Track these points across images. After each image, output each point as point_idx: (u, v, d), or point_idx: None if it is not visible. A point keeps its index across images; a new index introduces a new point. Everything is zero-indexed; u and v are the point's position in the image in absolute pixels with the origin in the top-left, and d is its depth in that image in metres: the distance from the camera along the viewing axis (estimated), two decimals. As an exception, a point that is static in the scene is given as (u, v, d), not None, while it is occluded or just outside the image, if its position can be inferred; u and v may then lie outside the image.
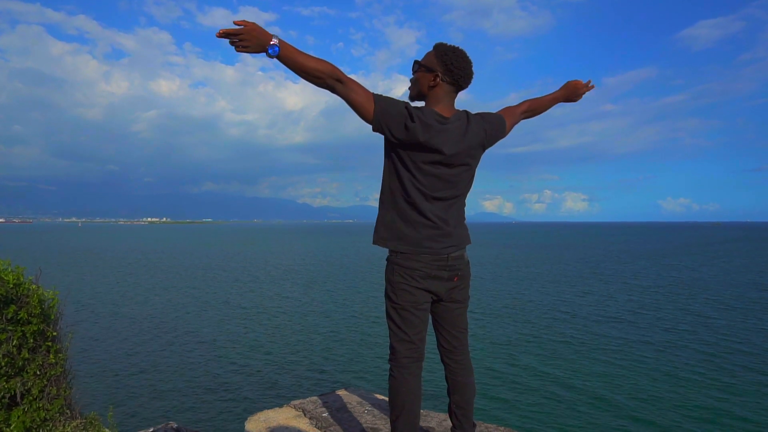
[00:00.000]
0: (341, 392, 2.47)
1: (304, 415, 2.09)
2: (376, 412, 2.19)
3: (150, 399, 8.35)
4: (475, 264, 31.94)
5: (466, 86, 1.71)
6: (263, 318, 15.30)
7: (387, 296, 1.72)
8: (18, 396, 2.64)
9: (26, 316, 2.61)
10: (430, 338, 1.74)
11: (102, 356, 10.96)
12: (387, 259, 1.72)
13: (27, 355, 2.65)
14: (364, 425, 2.02)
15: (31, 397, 2.69)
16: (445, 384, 1.87)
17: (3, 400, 2.53)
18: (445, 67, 1.64)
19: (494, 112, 1.83)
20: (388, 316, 1.72)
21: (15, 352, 2.56)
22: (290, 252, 47.92)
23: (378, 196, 1.74)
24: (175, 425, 2.33)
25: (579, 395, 8.53)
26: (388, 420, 1.82)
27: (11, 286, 2.55)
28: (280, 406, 2.21)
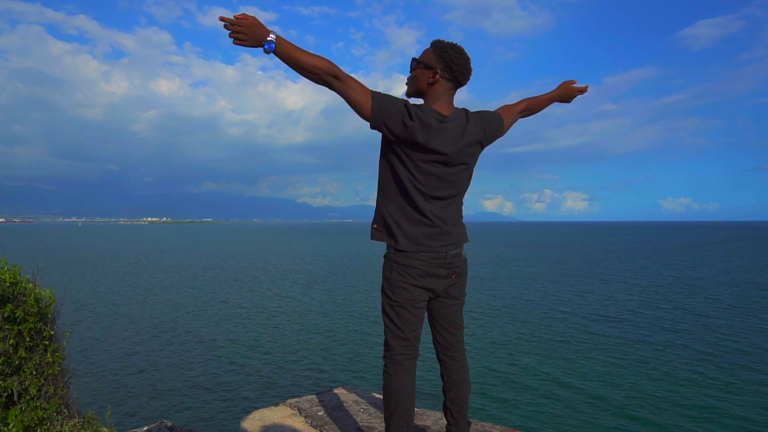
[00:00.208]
0: (338, 391, 2.47)
1: (300, 413, 2.09)
2: (372, 410, 2.19)
3: (148, 398, 8.35)
4: (475, 263, 31.92)
5: (465, 83, 1.69)
6: (262, 317, 15.30)
7: (384, 293, 1.72)
8: (15, 395, 2.64)
9: (23, 314, 2.61)
10: (426, 336, 1.74)
11: (101, 355, 10.97)
12: (385, 256, 1.72)
13: (24, 354, 2.65)
14: (360, 424, 2.01)
15: (28, 396, 2.69)
16: (441, 382, 1.87)
17: (0, 400, 2.53)
18: (445, 64, 1.63)
19: (493, 110, 1.83)
20: (384, 312, 1.73)
21: (11, 351, 2.56)
22: (289, 252, 47.92)
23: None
24: (169, 424, 2.33)
25: (578, 395, 8.53)
26: (383, 418, 1.82)
27: (8, 284, 2.55)
28: (276, 404, 2.21)
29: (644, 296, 18.91)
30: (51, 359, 2.77)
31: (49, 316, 2.88)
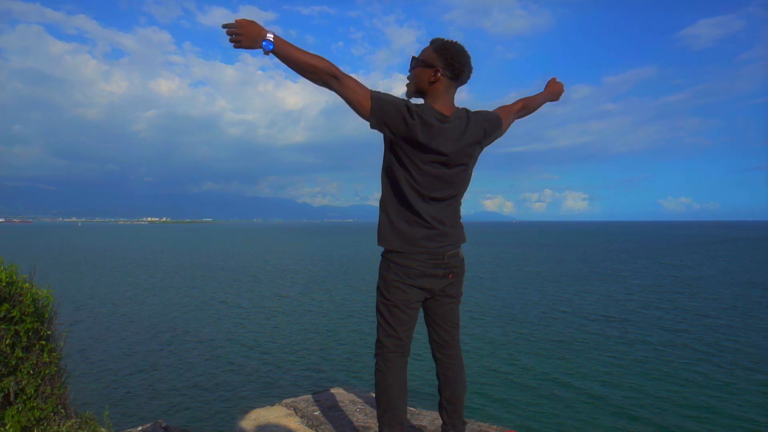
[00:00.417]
0: (334, 390, 2.47)
1: (296, 413, 2.09)
2: (368, 410, 2.19)
3: (146, 398, 8.35)
4: (475, 263, 31.90)
5: (467, 81, 1.69)
6: (261, 317, 15.30)
7: (379, 291, 1.72)
8: (12, 395, 2.63)
9: (19, 314, 2.61)
10: (423, 334, 1.74)
11: (99, 355, 10.97)
12: (382, 255, 1.72)
13: (21, 354, 2.65)
14: (355, 423, 2.01)
15: (25, 397, 2.68)
16: (437, 381, 1.87)
17: (-4, 399, 2.52)
18: (446, 62, 1.62)
19: (491, 110, 1.83)
20: (378, 311, 1.73)
21: (8, 351, 2.56)
22: (289, 251, 47.91)
23: (378, 196, 1.74)
24: (164, 424, 2.33)
25: (577, 394, 8.52)
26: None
27: (4, 284, 2.55)
28: (273, 404, 2.20)
29: (644, 296, 18.91)
30: (48, 359, 2.77)
31: (47, 316, 2.88)
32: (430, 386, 8.02)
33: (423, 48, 1.70)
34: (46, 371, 2.77)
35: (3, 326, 2.53)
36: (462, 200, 1.76)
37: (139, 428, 2.36)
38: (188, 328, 13.74)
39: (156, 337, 12.77)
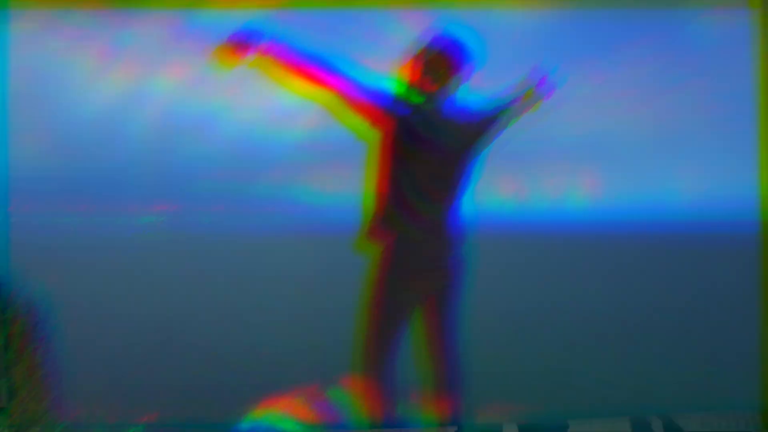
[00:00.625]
0: (332, 389, 2.45)
1: (292, 413, 2.08)
2: (365, 411, 2.17)
3: (144, 398, 8.34)
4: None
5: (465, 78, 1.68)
6: (258, 318, 15.30)
7: (374, 290, 1.70)
8: (6, 396, 2.63)
9: (12, 315, 2.61)
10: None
11: (97, 355, 10.95)
12: (380, 253, 1.69)
13: (13, 355, 2.65)
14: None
15: (18, 398, 2.68)
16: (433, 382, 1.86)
17: (-11, 401, 2.52)
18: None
19: (489, 110, 1.82)
20: (371, 310, 1.72)
21: (1, 352, 2.56)
22: (288, 251, 47.94)
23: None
24: (158, 424, 2.33)
25: (577, 396, 8.51)
26: None
27: (-4, 284, 2.54)
28: (269, 404, 2.20)
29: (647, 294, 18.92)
30: (42, 360, 2.77)
31: (41, 316, 2.88)
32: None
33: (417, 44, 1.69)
34: (41, 372, 2.77)
35: (-5, 327, 2.53)
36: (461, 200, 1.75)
37: (133, 429, 2.36)
38: (185, 328, 13.74)
39: (154, 336, 12.77)
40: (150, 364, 10.82)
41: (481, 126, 1.68)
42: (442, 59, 1.60)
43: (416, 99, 1.60)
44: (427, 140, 1.52)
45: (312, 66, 1.45)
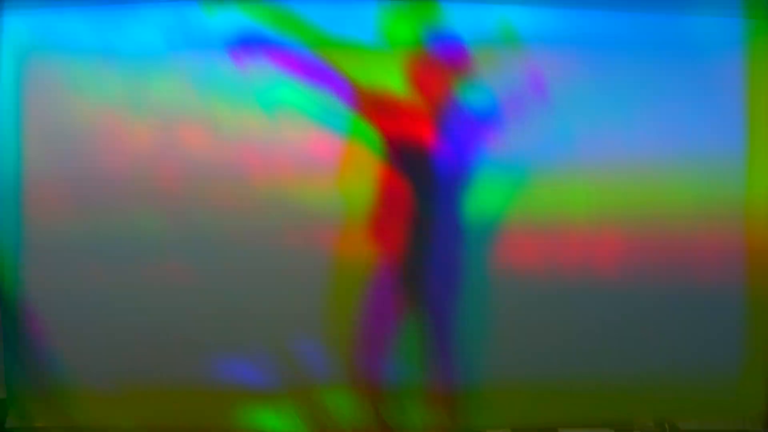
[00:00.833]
0: (332, 389, 2.44)
1: (289, 414, 2.07)
2: (362, 412, 2.16)
3: (142, 398, 8.32)
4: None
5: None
6: (258, 317, 15.29)
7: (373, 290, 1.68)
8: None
9: (10, 314, 2.59)
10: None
11: (95, 355, 10.92)
12: None
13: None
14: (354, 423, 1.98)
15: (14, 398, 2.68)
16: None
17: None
18: None
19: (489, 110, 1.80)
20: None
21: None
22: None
23: None
24: (151, 425, 2.32)
25: (576, 397, 8.49)
26: None
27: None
28: (267, 405, 2.18)
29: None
30: (41, 359, 2.76)
31: (39, 315, 2.86)
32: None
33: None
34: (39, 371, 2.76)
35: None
36: None
37: (126, 430, 2.35)
38: (186, 328, 13.71)
39: (153, 336, 12.75)
40: (149, 363, 10.78)
41: (482, 123, 1.67)
42: (448, 56, 1.59)
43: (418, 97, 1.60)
44: (429, 140, 1.51)
45: (310, 64, 1.43)
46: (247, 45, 1.61)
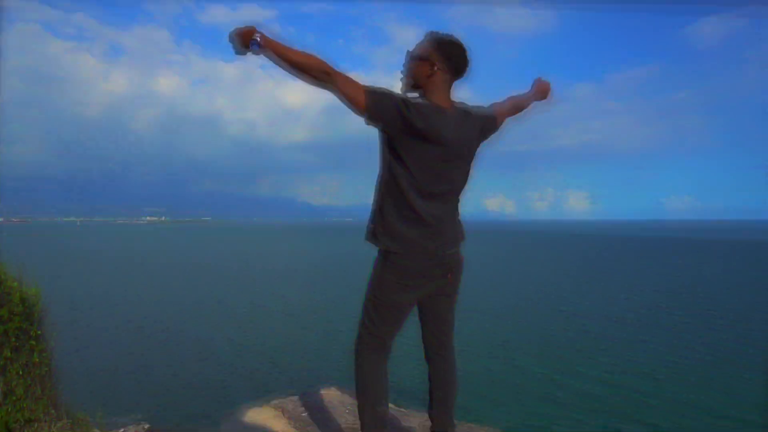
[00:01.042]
0: (324, 391, 2.45)
1: (283, 414, 2.07)
2: (357, 411, 2.17)
3: (139, 398, 8.34)
4: (474, 262, 31.90)
5: (464, 75, 1.64)
6: (257, 317, 15.30)
7: (371, 288, 1.69)
8: (1, 396, 2.62)
9: (7, 314, 2.59)
10: (414, 334, 1.72)
11: (94, 355, 10.95)
12: (379, 252, 1.67)
13: (9, 354, 2.63)
14: (343, 425, 1.99)
15: (14, 397, 2.67)
16: (427, 382, 1.85)
17: (-15, 400, 2.51)
18: (444, 56, 1.58)
19: (486, 107, 1.80)
20: (365, 307, 1.70)
21: (-3, 352, 2.54)
22: (287, 251, 47.90)
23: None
24: (147, 426, 2.32)
25: (575, 395, 8.50)
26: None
27: (-9, 284, 2.53)
28: (260, 405, 2.19)
29: (645, 296, 18.90)
30: (38, 360, 2.75)
31: (36, 315, 2.86)
32: (420, 387, 7.94)
33: (418, 42, 1.65)
34: (36, 372, 2.75)
35: (-9, 326, 2.52)
36: (461, 199, 1.72)
37: (121, 430, 2.35)
38: (183, 328, 13.73)
39: (151, 336, 12.76)
40: (148, 363, 10.76)
41: (484, 124, 1.67)
42: (460, 49, 1.58)
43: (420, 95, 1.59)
44: (429, 138, 1.50)
45: (306, 56, 1.43)
46: None
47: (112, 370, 9.86)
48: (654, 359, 10.56)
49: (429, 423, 1.86)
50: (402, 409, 2.22)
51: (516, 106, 1.95)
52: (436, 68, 1.58)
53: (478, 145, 1.71)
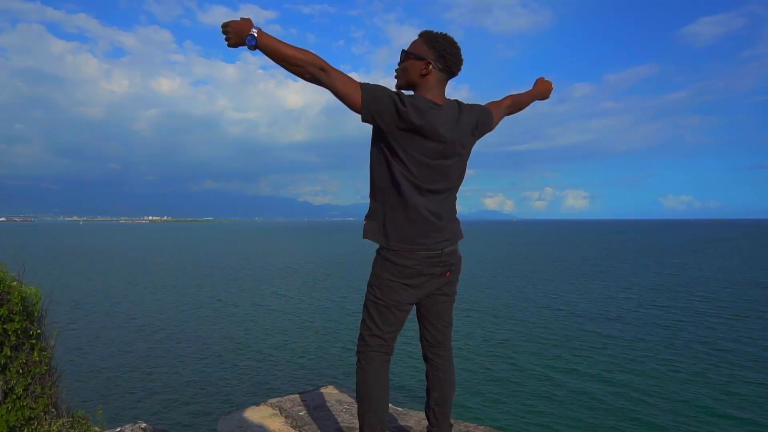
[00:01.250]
0: (323, 390, 2.46)
1: (281, 413, 2.08)
2: (354, 410, 2.18)
3: (138, 397, 8.36)
4: (474, 261, 31.88)
5: (458, 72, 1.66)
6: (257, 316, 15.30)
7: (371, 289, 1.69)
8: (1, 394, 2.63)
9: (7, 313, 2.61)
10: (413, 333, 1.72)
11: (94, 354, 10.97)
12: (377, 252, 1.67)
13: (9, 353, 2.65)
14: (341, 424, 2.00)
15: (14, 396, 2.68)
16: (425, 381, 1.85)
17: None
18: (437, 54, 1.59)
19: (482, 104, 1.81)
20: (366, 308, 1.70)
21: (-3, 351, 2.55)
22: (287, 250, 47.89)
23: None
24: (143, 425, 2.32)
25: (572, 394, 8.50)
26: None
27: (-9, 283, 2.54)
28: (257, 404, 2.19)
29: (643, 295, 18.89)
30: (38, 358, 2.76)
31: (36, 314, 2.87)
32: (417, 386, 7.97)
33: (412, 41, 1.67)
34: (36, 370, 2.77)
35: (-9, 325, 2.53)
36: (457, 195, 1.73)
37: (118, 429, 2.36)
38: (183, 327, 13.74)
39: (151, 336, 12.78)
40: (148, 362, 10.79)
41: (479, 121, 1.67)
42: (454, 47, 1.59)
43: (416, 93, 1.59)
44: (426, 133, 1.50)
45: (302, 52, 1.43)
46: None
47: (112, 369, 9.89)
48: (652, 358, 10.56)
49: (425, 422, 1.86)
50: (399, 408, 2.23)
51: (515, 104, 1.96)
52: (430, 66, 1.60)
53: (473, 141, 1.71)
